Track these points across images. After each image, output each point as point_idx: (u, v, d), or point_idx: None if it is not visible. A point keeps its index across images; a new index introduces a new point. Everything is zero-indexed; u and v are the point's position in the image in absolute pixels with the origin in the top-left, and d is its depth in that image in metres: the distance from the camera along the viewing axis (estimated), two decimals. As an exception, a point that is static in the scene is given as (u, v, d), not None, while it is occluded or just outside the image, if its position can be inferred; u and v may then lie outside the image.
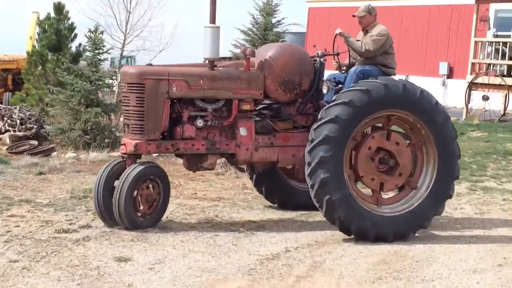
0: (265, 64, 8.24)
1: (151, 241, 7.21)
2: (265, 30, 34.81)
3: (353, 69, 8.48)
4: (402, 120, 8.06)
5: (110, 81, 15.96)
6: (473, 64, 20.99)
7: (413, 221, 7.88)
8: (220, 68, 8.20)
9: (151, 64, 8.16)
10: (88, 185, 9.87)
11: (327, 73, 8.72)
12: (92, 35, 14.10)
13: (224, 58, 8.00)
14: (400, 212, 7.91)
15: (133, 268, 6.37)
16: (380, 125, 8.14)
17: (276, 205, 9.28)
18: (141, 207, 7.78)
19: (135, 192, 7.69)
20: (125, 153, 7.94)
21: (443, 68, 25.89)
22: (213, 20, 8.03)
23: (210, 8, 8.01)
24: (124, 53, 18.11)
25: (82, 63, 15.26)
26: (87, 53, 14.39)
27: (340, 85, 8.60)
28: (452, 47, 25.66)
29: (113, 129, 14.26)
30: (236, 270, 6.40)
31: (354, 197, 7.73)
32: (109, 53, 15.75)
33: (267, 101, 8.62)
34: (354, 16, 8.71)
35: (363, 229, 7.65)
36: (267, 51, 8.34)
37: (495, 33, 22.40)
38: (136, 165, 7.75)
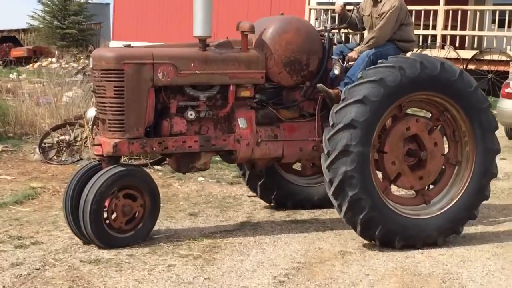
0: (266, 41, 6.83)
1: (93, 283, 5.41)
2: (65, 0, 33.76)
3: (365, 52, 7.14)
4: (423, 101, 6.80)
5: None
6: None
7: (445, 225, 6.65)
8: (212, 48, 6.76)
9: (129, 45, 6.64)
10: None
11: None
12: None
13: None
14: (434, 214, 6.68)
15: None
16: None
17: (272, 204, 7.94)
18: (116, 222, 6.33)
19: (107, 203, 6.24)
20: (101, 155, 6.45)
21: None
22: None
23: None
24: None
25: None
26: None
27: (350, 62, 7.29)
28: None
29: None
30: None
31: (382, 197, 6.46)
32: None
33: (267, 86, 7.23)
34: None
35: (390, 234, 6.40)
36: (268, 26, 6.92)
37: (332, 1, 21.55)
38: (109, 168, 6.29)
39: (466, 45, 18.57)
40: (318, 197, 7.94)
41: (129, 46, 6.62)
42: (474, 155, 6.74)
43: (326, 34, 7.10)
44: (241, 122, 6.78)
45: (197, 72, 6.55)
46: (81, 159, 10.22)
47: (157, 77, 6.39)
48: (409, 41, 7.37)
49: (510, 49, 17.59)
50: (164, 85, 6.48)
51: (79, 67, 25.39)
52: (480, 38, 18.71)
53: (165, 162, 9.65)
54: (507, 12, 17.35)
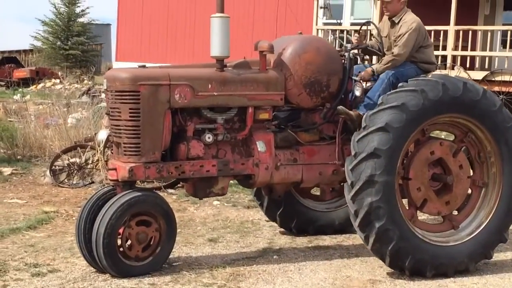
0: (286, 62, 6.62)
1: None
2: (69, 21, 33.67)
3: (383, 74, 6.94)
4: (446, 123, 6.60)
5: None
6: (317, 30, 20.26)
7: (476, 250, 6.43)
8: (230, 69, 6.55)
9: (144, 66, 6.43)
10: None
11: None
12: None
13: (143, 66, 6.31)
14: (463, 240, 6.46)
15: None
16: None
17: (293, 231, 7.68)
18: (132, 251, 6.08)
19: (121, 230, 6.00)
20: (116, 180, 6.21)
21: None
22: (221, 8, 6.38)
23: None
24: None
25: None
26: None
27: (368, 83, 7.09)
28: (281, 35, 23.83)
29: None
30: None
31: (410, 226, 6.22)
32: None
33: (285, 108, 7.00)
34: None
35: (420, 264, 6.16)
36: (287, 46, 6.71)
37: (339, 21, 21.45)
38: (118, 197, 6.03)
39: (476, 66, 18.35)
40: (339, 222, 7.74)
41: (143, 66, 6.42)
42: (501, 175, 6.53)
43: (346, 54, 6.90)
44: (260, 146, 6.56)
45: (215, 93, 6.34)
46: (92, 182, 10.01)
47: (173, 99, 6.18)
48: (430, 63, 7.19)
49: (521, 70, 17.34)
50: (180, 107, 6.27)
51: (83, 88, 25.22)
52: (490, 58, 18.51)
53: (179, 185, 9.44)
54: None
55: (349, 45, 6.97)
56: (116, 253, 5.95)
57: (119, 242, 6.03)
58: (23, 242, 7.12)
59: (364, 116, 6.29)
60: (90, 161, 10.45)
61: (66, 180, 10.22)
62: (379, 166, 6.00)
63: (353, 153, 6.15)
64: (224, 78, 6.39)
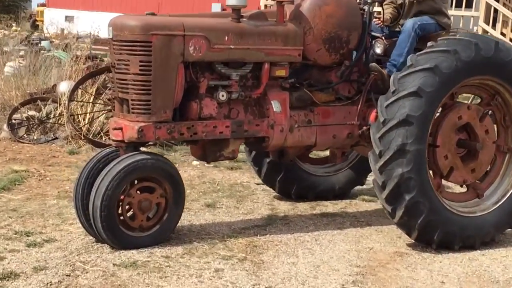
0: (305, 14, 6.04)
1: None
2: None
3: (409, 23, 6.42)
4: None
5: None
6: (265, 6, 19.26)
7: (502, 220, 6.09)
8: (246, 20, 5.93)
9: (153, 14, 5.74)
10: None
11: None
12: None
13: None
14: (490, 210, 6.10)
15: None
16: None
17: (292, 197, 7.18)
18: (135, 221, 5.48)
19: (121, 198, 5.38)
20: (122, 141, 5.55)
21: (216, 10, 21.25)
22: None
23: None
24: None
25: None
26: None
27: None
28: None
29: None
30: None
31: (439, 197, 5.81)
32: None
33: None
34: None
35: (449, 236, 5.77)
36: (305, -3, 6.13)
37: None
38: (119, 160, 5.40)
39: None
40: (340, 186, 7.34)
41: (153, 14, 5.73)
42: None
43: (366, 7, 6.36)
44: (275, 105, 5.99)
45: (231, 47, 5.71)
46: (56, 138, 9.24)
47: (188, 51, 5.53)
48: (448, 18, 6.76)
49: (476, 30, 17.18)
50: (194, 61, 5.63)
51: (12, 35, 23.89)
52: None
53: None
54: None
55: (369, -2, 6.42)
56: (116, 225, 5.34)
57: (120, 210, 5.42)
58: (1, 205, 6.43)
59: (392, 79, 5.79)
60: (51, 115, 9.66)
61: (25, 135, 9.42)
62: (411, 134, 5.53)
63: (381, 119, 5.64)
64: (242, 29, 5.78)
